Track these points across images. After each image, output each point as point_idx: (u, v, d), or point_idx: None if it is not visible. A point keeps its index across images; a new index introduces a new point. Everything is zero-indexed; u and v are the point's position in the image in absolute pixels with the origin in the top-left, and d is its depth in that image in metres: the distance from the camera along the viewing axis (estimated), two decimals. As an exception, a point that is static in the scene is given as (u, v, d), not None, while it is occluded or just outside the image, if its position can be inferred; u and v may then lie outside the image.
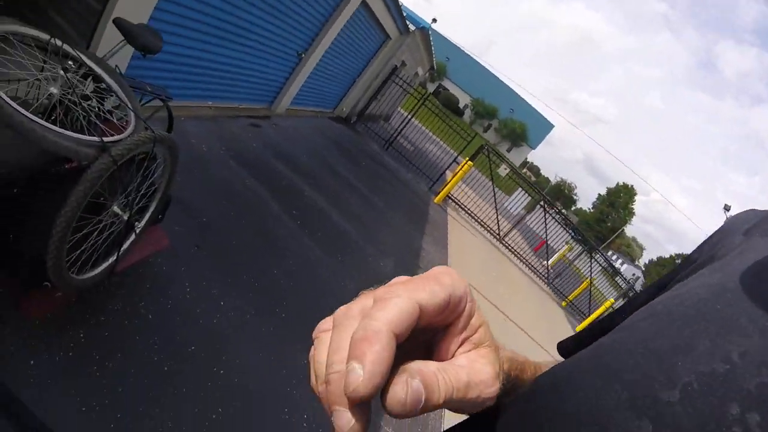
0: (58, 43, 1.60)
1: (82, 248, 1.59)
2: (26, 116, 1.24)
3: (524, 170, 52.32)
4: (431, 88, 45.46)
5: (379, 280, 0.29)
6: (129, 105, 1.68)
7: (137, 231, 1.90)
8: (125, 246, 1.84)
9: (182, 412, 1.77)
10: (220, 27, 3.71)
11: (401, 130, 10.72)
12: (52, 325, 1.86)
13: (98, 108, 1.66)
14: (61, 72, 1.47)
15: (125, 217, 1.67)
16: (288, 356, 2.40)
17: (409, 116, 10.75)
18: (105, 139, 1.40)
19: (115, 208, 1.66)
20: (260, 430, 1.97)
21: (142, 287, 2.22)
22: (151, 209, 1.92)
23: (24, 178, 1.53)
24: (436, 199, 9.14)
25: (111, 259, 1.78)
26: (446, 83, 53.09)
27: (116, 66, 1.78)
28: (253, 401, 2.04)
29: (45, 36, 1.60)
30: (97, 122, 1.58)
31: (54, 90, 1.45)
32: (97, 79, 1.70)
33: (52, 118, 1.60)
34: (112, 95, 1.70)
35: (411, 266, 4.52)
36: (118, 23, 1.95)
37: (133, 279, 2.23)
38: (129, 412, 1.63)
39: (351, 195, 4.84)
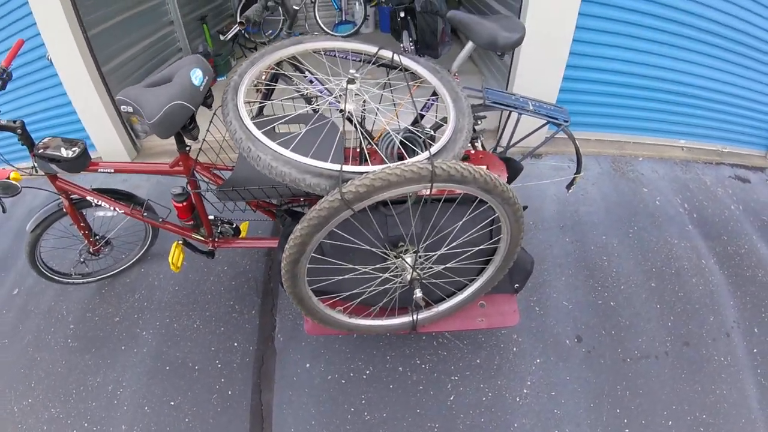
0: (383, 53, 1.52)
1: (364, 289, 1.37)
2: (262, 145, 1.11)
3: None
4: None
5: None
6: (453, 122, 1.27)
7: (461, 296, 1.52)
8: (433, 308, 1.54)
9: None
10: (706, 34, 2.65)
11: None
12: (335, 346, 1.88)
13: (415, 132, 1.31)
14: (344, 84, 1.28)
15: (408, 276, 1.29)
16: None
17: None
18: (347, 168, 1.06)
19: (406, 259, 1.29)
20: None
21: (466, 359, 1.83)
22: (488, 273, 1.47)
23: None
24: None
25: (409, 316, 1.53)
26: None
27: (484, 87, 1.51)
28: None
29: (368, 48, 1.55)
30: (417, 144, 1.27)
31: (350, 106, 1.23)
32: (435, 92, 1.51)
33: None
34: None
35: None
36: (452, 17, 1.65)
37: (458, 344, 1.87)
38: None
39: None
